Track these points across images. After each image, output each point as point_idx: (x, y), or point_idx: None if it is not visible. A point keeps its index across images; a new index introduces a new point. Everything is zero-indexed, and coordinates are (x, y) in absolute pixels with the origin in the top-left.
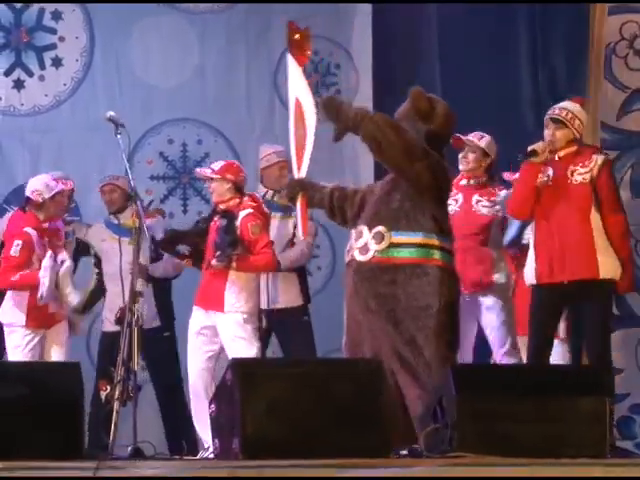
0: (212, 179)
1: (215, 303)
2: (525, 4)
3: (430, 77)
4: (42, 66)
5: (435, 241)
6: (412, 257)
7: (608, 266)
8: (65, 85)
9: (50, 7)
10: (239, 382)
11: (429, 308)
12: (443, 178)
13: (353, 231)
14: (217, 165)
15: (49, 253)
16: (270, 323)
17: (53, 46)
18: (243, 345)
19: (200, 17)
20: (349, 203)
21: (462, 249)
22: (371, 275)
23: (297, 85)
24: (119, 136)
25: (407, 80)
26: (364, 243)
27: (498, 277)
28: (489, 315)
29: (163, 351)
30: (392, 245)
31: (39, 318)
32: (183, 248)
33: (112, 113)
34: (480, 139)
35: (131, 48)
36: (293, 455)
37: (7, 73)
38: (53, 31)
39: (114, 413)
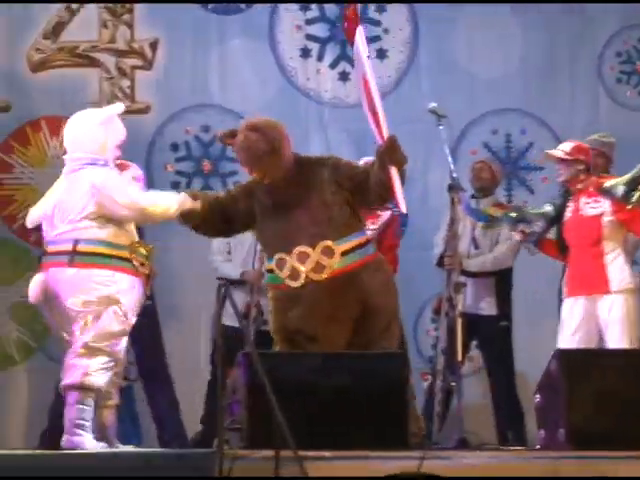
0: (563, 160)
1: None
2: None
3: None
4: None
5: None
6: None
7: None
8: (389, 77)
9: None
10: (565, 372)
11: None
12: None
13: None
14: (567, 146)
15: None
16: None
17: (378, 38)
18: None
19: (523, 7)
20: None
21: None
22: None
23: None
24: (441, 127)
25: None
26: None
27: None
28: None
29: (498, 340)
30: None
31: None
32: None
33: (434, 104)
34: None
35: (455, 39)
36: (620, 446)
37: (332, 66)
38: (377, 23)
39: (437, 403)
